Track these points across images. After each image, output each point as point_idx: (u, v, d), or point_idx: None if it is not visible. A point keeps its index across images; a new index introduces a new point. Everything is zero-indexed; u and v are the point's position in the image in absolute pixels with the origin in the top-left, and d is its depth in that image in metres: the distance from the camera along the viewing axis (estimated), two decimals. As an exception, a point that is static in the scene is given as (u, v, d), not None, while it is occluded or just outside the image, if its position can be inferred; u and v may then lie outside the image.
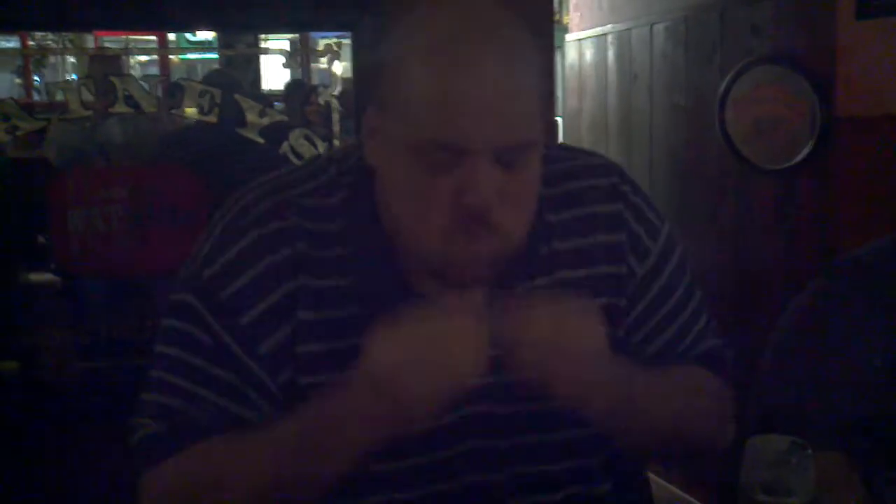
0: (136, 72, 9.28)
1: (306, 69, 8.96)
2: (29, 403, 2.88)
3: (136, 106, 2.63)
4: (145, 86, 2.67)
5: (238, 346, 1.12)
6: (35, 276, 3.48)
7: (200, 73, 10.65)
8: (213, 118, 2.65)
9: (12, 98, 2.93)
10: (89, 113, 2.69)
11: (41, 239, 3.51)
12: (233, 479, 1.09)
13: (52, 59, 9.37)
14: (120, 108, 2.63)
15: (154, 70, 9.99)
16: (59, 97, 2.68)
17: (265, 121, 2.65)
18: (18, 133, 2.63)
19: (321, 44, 8.44)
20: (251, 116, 2.65)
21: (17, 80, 9.21)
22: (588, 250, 1.19)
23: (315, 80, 8.55)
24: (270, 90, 7.19)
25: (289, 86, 5.34)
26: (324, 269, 1.13)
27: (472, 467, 1.18)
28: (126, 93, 2.58)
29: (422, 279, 1.13)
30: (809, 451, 1.09)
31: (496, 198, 1.02)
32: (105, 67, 3.63)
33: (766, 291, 3.21)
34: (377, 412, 1.00)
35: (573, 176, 1.23)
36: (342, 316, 1.13)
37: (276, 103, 3.12)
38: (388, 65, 1.07)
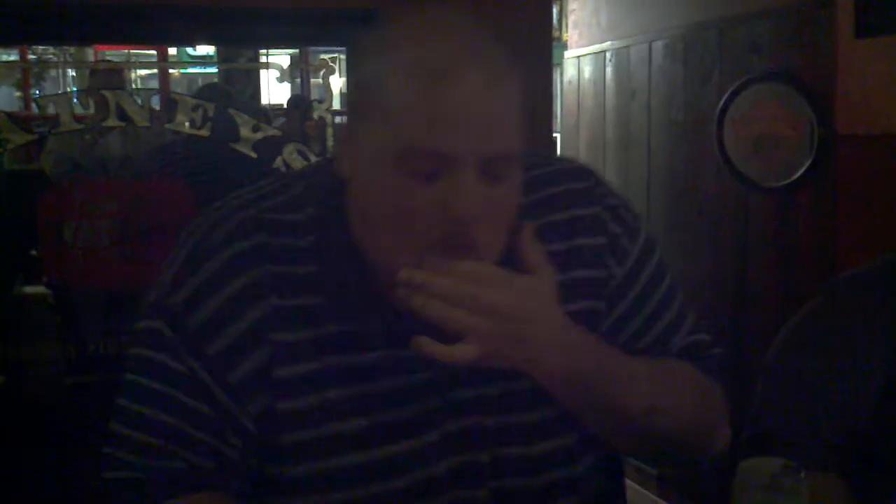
0: (137, 86, 9.30)
1: (306, 84, 8.99)
2: (16, 417, 2.85)
3: (129, 119, 2.62)
4: (138, 100, 2.66)
5: (208, 375, 1.08)
6: (30, 289, 3.47)
7: (201, 85, 10.68)
8: (205, 132, 2.63)
9: (3, 111, 2.92)
10: (80, 126, 2.67)
11: (34, 252, 3.49)
12: None
13: (52, 72, 9.41)
14: (112, 121, 2.61)
15: (154, 84, 10.02)
16: (52, 110, 2.67)
17: (258, 135, 2.63)
18: (9, 146, 2.62)
19: (321, 58, 8.49)
20: (245, 131, 2.63)
21: (17, 93, 9.24)
22: (566, 254, 1.17)
23: (314, 96, 8.58)
24: (272, 104, 7.19)
25: (291, 101, 5.36)
26: (295, 288, 1.10)
27: (456, 483, 1.16)
28: (118, 107, 2.57)
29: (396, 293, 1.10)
30: (803, 473, 1.07)
31: (479, 210, 1.01)
32: (106, 81, 3.62)
33: (764, 309, 3.19)
34: None
35: (549, 181, 1.21)
36: (318, 335, 1.10)
37: (281, 118, 3.11)
38: (370, 77, 1.04)
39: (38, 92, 9.10)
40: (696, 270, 3.44)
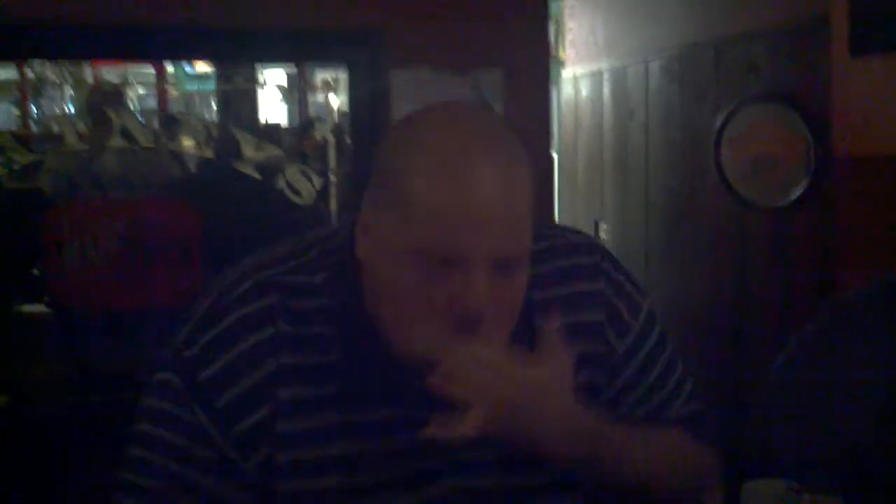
0: (134, 104, 9.30)
1: (304, 102, 9.00)
2: (19, 438, 2.85)
3: (133, 139, 2.64)
4: (142, 119, 2.68)
5: (214, 426, 1.13)
6: (28, 309, 3.47)
7: (198, 104, 10.67)
8: (208, 152, 2.65)
9: (10, 132, 2.93)
10: (85, 146, 2.69)
11: (35, 271, 3.50)
12: None
13: (50, 90, 9.39)
14: (116, 141, 2.63)
15: (152, 101, 10.02)
16: (56, 129, 2.68)
17: (261, 155, 2.65)
18: (14, 167, 2.63)
19: (319, 77, 8.48)
20: (248, 151, 2.65)
21: (15, 111, 9.23)
22: (568, 328, 1.18)
23: (312, 113, 8.59)
24: (268, 123, 7.19)
25: (301, 122, 5.37)
26: (306, 347, 1.15)
27: None
28: (123, 126, 2.59)
29: (406, 355, 1.13)
30: (806, 495, 1.08)
31: (489, 303, 1.05)
32: (104, 99, 3.64)
33: (762, 328, 3.20)
34: None
35: (556, 255, 1.25)
36: (324, 393, 1.14)
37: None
38: (390, 163, 1.10)
39: (35, 109, 9.09)
40: (695, 290, 3.45)
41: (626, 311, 1.27)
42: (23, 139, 2.85)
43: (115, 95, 4.12)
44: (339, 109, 3.06)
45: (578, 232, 1.36)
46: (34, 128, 7.16)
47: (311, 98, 9.02)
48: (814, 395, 1.48)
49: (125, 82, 7.92)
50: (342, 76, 3.23)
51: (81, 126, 2.68)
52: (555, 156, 4.69)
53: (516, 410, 1.07)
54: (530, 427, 1.08)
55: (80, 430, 2.85)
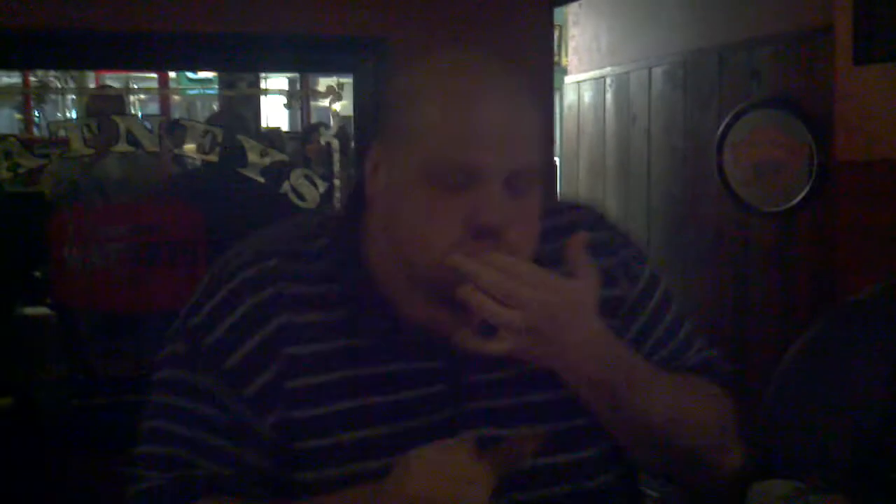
0: (136, 108, 9.32)
1: (306, 108, 9.02)
2: (23, 440, 2.86)
3: (138, 145, 2.65)
4: (148, 125, 2.69)
5: (225, 389, 1.14)
6: (30, 311, 3.48)
7: (200, 109, 10.69)
8: (213, 157, 2.66)
9: (15, 136, 2.94)
10: (91, 151, 2.70)
11: (38, 273, 3.50)
12: None
13: (52, 95, 9.42)
14: (122, 147, 2.64)
15: (154, 106, 10.03)
16: (62, 134, 2.69)
17: (266, 160, 2.66)
18: (20, 171, 2.64)
19: (321, 83, 8.51)
20: (252, 156, 2.66)
21: (18, 116, 9.24)
22: None
23: (313, 119, 8.61)
24: (269, 128, 7.21)
25: (306, 127, 5.38)
26: (308, 306, 1.16)
27: None
28: (128, 132, 2.59)
29: (411, 309, 1.15)
30: (812, 495, 1.09)
31: (506, 219, 1.07)
32: (106, 105, 3.65)
33: (764, 332, 3.21)
34: None
35: (555, 217, 1.25)
36: (331, 349, 1.15)
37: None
38: (398, 98, 1.14)
39: (38, 114, 9.11)
40: (697, 295, 3.46)
41: (633, 259, 1.29)
42: (28, 144, 2.87)
43: (116, 101, 4.14)
44: (342, 115, 3.06)
45: (581, 206, 1.37)
46: (39, 132, 7.19)
47: (312, 103, 9.07)
48: (819, 397, 1.49)
49: (127, 87, 7.94)
50: (345, 81, 3.24)
51: (87, 131, 2.68)
52: (557, 161, 4.71)
53: (549, 322, 1.06)
54: (562, 340, 1.07)
55: (83, 432, 2.86)
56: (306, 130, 5.40)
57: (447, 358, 1.14)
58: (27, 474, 2.78)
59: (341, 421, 1.15)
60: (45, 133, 6.42)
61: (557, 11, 4.19)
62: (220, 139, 2.67)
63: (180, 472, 1.14)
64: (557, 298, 1.07)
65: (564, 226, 1.25)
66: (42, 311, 3.46)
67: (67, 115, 9.44)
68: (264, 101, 6.26)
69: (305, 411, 1.14)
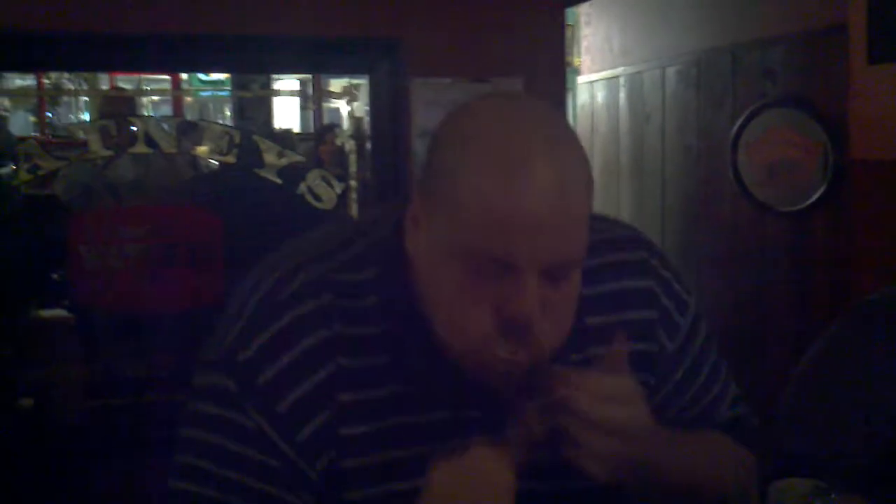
0: (148, 110, 9.35)
1: (319, 109, 9.04)
2: (42, 440, 2.88)
3: (156, 146, 2.66)
4: (166, 126, 2.71)
5: (276, 433, 1.08)
6: (46, 313, 3.50)
7: (212, 110, 10.72)
8: (231, 158, 2.68)
9: (34, 138, 2.97)
10: (110, 153, 2.71)
11: (55, 276, 3.53)
12: None
13: (65, 97, 9.45)
14: (140, 148, 2.66)
15: (166, 108, 10.07)
16: (80, 136, 2.71)
17: (283, 161, 2.67)
18: (40, 173, 2.66)
19: (332, 84, 8.52)
20: (269, 157, 2.67)
21: (32, 118, 9.30)
22: (619, 326, 1.15)
23: (325, 120, 8.62)
24: (282, 129, 7.22)
25: (320, 128, 5.40)
26: (361, 349, 1.11)
27: None
28: (146, 134, 2.61)
29: (455, 357, 1.11)
30: (833, 495, 1.10)
31: (539, 311, 1.02)
32: (119, 107, 3.67)
33: (780, 332, 3.21)
34: None
35: (603, 249, 1.21)
36: (383, 395, 1.12)
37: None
38: (440, 165, 1.05)
39: (51, 116, 9.16)
40: (712, 295, 3.46)
41: (675, 310, 1.24)
42: (47, 146, 2.89)
43: (128, 103, 4.16)
44: (357, 115, 3.07)
45: (624, 224, 1.31)
46: (56, 134, 7.22)
47: (324, 104, 9.08)
48: (837, 396, 1.49)
49: (140, 89, 7.97)
50: (360, 82, 3.25)
51: (105, 133, 2.70)
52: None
53: (637, 444, 1.04)
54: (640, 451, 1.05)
55: (101, 432, 2.88)
56: (319, 131, 5.40)
57: (494, 406, 1.09)
58: (47, 473, 2.80)
59: (391, 469, 1.12)
60: (60, 135, 6.46)
61: (569, 12, 4.20)
62: (237, 140, 2.68)
63: None
64: (642, 414, 1.05)
65: (607, 245, 1.22)
66: (60, 313, 3.48)
67: (80, 117, 9.50)
68: (276, 102, 6.27)
69: (357, 460, 1.11)
